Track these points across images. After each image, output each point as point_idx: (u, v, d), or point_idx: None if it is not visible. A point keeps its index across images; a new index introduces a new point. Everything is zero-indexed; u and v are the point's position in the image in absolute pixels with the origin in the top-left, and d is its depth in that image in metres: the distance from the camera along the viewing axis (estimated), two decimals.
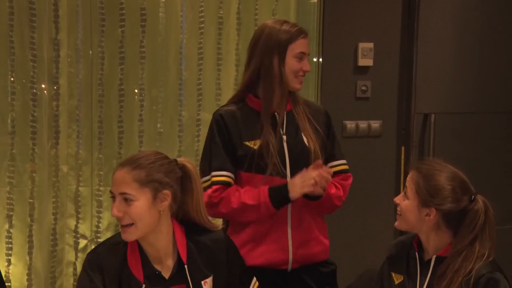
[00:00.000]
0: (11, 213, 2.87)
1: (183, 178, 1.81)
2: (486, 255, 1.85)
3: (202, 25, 2.99)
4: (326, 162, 2.25)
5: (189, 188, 1.82)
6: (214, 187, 2.16)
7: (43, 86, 2.85)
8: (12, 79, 2.83)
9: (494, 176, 3.47)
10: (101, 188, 2.95)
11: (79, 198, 2.95)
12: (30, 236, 2.88)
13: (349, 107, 3.25)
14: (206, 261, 1.84)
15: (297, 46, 2.18)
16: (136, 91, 2.95)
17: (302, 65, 2.19)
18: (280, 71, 2.17)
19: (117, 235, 1.83)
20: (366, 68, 3.25)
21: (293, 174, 2.17)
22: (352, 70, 3.23)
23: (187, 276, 1.80)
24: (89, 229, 2.97)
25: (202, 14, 2.99)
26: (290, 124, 2.22)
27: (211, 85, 3.03)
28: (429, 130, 3.32)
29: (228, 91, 3.05)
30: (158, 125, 3.00)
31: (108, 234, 2.94)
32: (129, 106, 2.95)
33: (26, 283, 2.88)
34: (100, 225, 2.97)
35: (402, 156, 3.34)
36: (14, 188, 2.86)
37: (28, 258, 2.88)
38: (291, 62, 2.18)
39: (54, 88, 2.87)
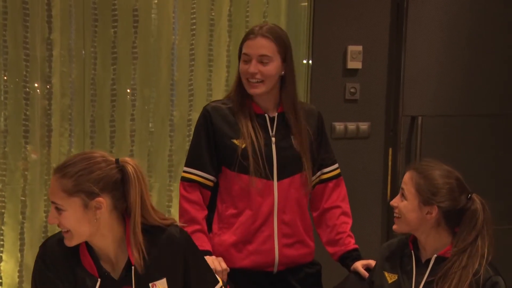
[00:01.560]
0: (3, 210, 2.89)
1: (123, 180, 1.69)
2: (487, 253, 1.89)
3: (194, 27, 3.02)
4: (319, 168, 2.25)
5: (128, 190, 1.69)
6: (182, 182, 2.18)
7: (36, 85, 2.87)
8: (5, 77, 2.85)
9: (481, 178, 3.51)
10: None
11: None
12: (22, 233, 2.90)
13: (338, 108, 3.28)
14: (159, 262, 1.75)
15: (244, 47, 2.14)
16: (128, 91, 2.98)
17: (247, 67, 2.11)
18: (240, 75, 2.17)
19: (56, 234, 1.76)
20: (355, 70, 3.29)
21: (280, 177, 2.15)
22: (341, 73, 3.27)
23: (131, 277, 1.72)
24: None
25: (194, 15, 3.02)
26: (280, 126, 2.19)
27: (202, 85, 3.06)
28: (416, 132, 3.36)
29: (219, 92, 3.08)
30: (150, 125, 3.02)
31: None
32: (121, 106, 2.97)
33: (17, 279, 2.90)
34: None
35: (390, 158, 3.38)
36: (6, 186, 2.88)
37: (19, 255, 2.90)
38: (240, 65, 2.16)
39: (47, 87, 2.89)
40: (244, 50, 2.14)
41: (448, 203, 1.91)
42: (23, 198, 2.89)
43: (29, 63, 2.84)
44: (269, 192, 2.15)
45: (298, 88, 3.24)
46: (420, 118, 3.35)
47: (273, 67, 2.13)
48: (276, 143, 2.17)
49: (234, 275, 2.10)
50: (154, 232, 1.76)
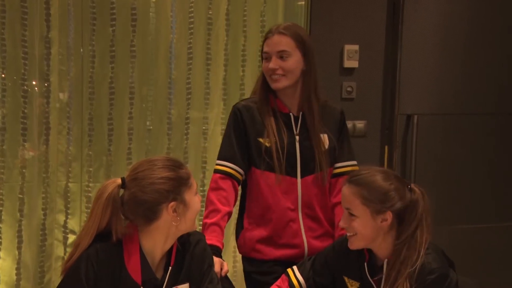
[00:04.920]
0: (1, 208, 2.89)
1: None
2: (424, 242, 1.86)
3: (192, 25, 3.03)
4: (335, 162, 2.30)
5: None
6: (215, 174, 2.24)
7: (34, 83, 2.88)
8: (3, 75, 2.85)
9: (477, 176, 3.54)
10: (90, 184, 2.98)
11: (68, 194, 2.98)
12: (20, 231, 2.90)
13: None
14: (188, 268, 1.87)
15: (264, 46, 2.24)
16: (126, 89, 2.99)
17: (268, 65, 2.20)
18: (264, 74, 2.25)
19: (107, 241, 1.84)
20: (351, 69, 3.31)
21: (303, 174, 2.22)
22: (338, 71, 3.29)
23: (165, 278, 1.83)
24: (78, 225, 2.99)
25: (192, 14, 3.03)
26: (304, 125, 2.25)
27: (200, 84, 3.07)
28: (412, 130, 3.38)
29: (217, 90, 3.10)
30: (148, 123, 3.03)
31: None
32: (119, 104, 2.98)
33: (15, 277, 2.91)
34: None
35: (386, 156, 3.40)
36: (4, 184, 2.88)
37: (17, 252, 2.90)
38: (263, 63, 2.24)
39: (45, 85, 2.90)
40: (264, 49, 2.23)
41: (399, 203, 1.88)
42: (21, 196, 2.89)
43: (27, 61, 2.84)
44: (293, 189, 2.23)
45: None
46: (416, 116, 3.38)
47: (293, 61, 2.20)
48: (300, 141, 2.24)
49: (268, 266, 2.22)
50: (187, 238, 1.88)
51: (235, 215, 2.35)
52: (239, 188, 2.29)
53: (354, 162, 2.34)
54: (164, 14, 3.00)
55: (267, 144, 2.20)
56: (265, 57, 2.22)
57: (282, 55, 2.19)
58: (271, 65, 2.19)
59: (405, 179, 1.97)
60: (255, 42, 3.10)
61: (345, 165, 2.32)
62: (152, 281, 1.82)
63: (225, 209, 2.20)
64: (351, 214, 1.89)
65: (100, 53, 2.93)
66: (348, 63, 3.28)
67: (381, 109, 3.39)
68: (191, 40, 3.04)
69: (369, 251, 1.95)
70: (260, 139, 2.22)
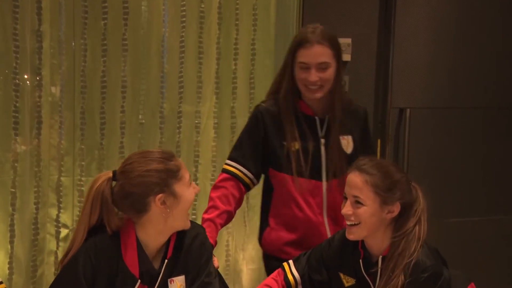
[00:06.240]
0: None
1: None
2: (422, 237, 1.87)
3: (184, 19, 3.03)
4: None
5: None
6: (221, 173, 2.25)
7: (25, 76, 2.87)
8: None
9: (469, 170, 3.55)
10: (82, 178, 2.98)
11: (60, 188, 2.98)
12: (12, 225, 2.90)
13: None
14: (184, 260, 1.88)
15: (300, 56, 2.17)
16: (118, 83, 2.98)
17: (307, 75, 2.16)
18: (293, 79, 2.20)
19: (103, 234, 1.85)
20: (344, 63, 3.29)
21: (328, 178, 2.22)
22: None
23: (161, 269, 1.84)
24: (70, 219, 2.99)
25: (184, 8, 3.02)
26: (329, 128, 2.24)
27: (192, 78, 3.07)
28: (404, 124, 3.39)
29: (209, 84, 3.09)
30: (140, 117, 3.03)
31: None
32: (111, 98, 2.97)
33: (7, 271, 2.90)
34: None
35: (378, 149, 3.40)
36: None
37: (9, 247, 2.90)
38: (296, 71, 2.19)
39: (37, 79, 2.89)
40: (301, 59, 2.17)
41: (407, 196, 1.88)
42: (13, 190, 2.88)
43: (19, 54, 2.83)
44: (318, 192, 2.23)
45: None
46: (408, 110, 3.38)
47: (332, 72, 2.18)
48: (325, 144, 2.23)
49: None
50: (186, 231, 1.89)
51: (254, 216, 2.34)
52: (256, 187, 2.30)
53: None
54: (156, 8, 2.99)
55: (293, 148, 2.19)
56: (302, 66, 2.16)
57: (322, 67, 2.16)
58: (313, 78, 2.15)
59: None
60: (247, 35, 3.10)
61: None
62: (149, 271, 1.83)
63: (223, 207, 2.19)
64: (358, 202, 1.86)
65: (92, 47, 2.92)
66: None
67: (374, 102, 3.39)
68: (183, 34, 3.03)
69: (364, 248, 1.94)
70: (285, 143, 2.21)
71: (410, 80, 3.41)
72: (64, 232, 2.99)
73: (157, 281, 1.85)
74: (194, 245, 1.89)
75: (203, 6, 3.04)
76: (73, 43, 2.91)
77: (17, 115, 2.85)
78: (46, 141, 2.93)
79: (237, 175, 2.23)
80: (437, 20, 3.42)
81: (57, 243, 2.99)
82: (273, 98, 2.27)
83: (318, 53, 2.15)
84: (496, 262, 3.59)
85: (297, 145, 2.19)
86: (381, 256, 1.90)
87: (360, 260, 1.94)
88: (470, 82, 3.50)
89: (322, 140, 2.23)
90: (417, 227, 1.87)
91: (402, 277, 1.81)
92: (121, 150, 3.01)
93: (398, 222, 1.89)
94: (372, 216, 1.86)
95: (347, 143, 2.25)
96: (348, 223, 1.90)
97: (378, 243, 1.91)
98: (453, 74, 3.48)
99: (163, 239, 1.86)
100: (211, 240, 2.12)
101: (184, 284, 1.87)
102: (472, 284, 1.99)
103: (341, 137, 2.24)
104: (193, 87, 3.08)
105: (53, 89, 2.92)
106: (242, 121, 3.15)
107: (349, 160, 2.19)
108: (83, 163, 2.98)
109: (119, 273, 1.80)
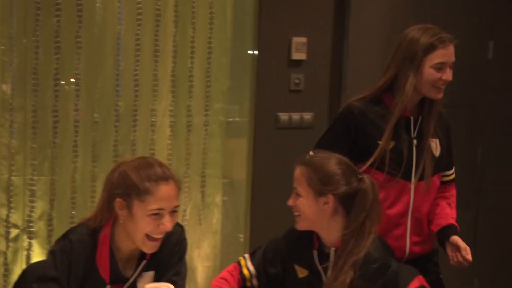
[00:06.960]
0: None
1: None
2: (373, 232, 1.94)
3: (140, 17, 2.99)
4: (443, 170, 2.35)
5: None
6: None
7: None
8: None
9: None
10: (34, 178, 2.92)
11: (11, 188, 2.91)
12: None
13: (283, 99, 3.33)
14: (157, 257, 1.89)
15: (435, 57, 2.19)
16: (72, 80, 2.93)
17: (442, 75, 2.19)
18: (415, 82, 2.20)
19: (82, 227, 1.86)
20: (299, 61, 3.34)
21: (417, 179, 2.24)
22: (286, 64, 3.31)
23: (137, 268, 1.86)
24: (21, 219, 2.93)
25: (140, 5, 2.98)
26: (421, 129, 2.26)
27: (148, 76, 3.04)
28: None
29: (165, 82, 3.07)
30: (95, 115, 2.99)
31: (41, 224, 2.93)
32: (65, 96, 2.92)
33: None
34: (33, 214, 2.93)
35: None
36: None
37: None
38: (428, 73, 2.19)
39: None
40: (438, 60, 2.19)
41: (342, 188, 1.93)
42: None
43: None
44: (406, 192, 2.25)
45: (244, 78, 3.30)
46: None
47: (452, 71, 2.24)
48: (416, 145, 2.25)
49: None
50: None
51: None
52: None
53: (454, 169, 2.42)
54: (111, 5, 2.94)
55: (386, 147, 2.20)
56: (438, 66, 2.18)
57: (451, 66, 2.21)
58: (450, 76, 2.19)
59: (358, 170, 2.03)
60: (203, 34, 3.09)
61: (452, 173, 2.40)
62: (119, 277, 1.84)
63: None
64: (297, 194, 1.95)
65: (44, 44, 2.85)
66: (296, 55, 3.30)
67: (328, 101, 3.44)
68: (139, 32, 3.00)
69: (318, 238, 1.99)
70: (379, 141, 2.21)
71: (364, 79, 3.40)
72: (14, 232, 2.92)
73: (127, 281, 1.86)
74: (168, 243, 1.89)
75: (159, 3, 3.01)
76: (24, 40, 2.84)
77: None
78: None
79: None
80: (392, 19, 3.46)
81: (7, 244, 2.92)
82: (366, 99, 2.28)
83: (452, 52, 2.22)
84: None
85: (391, 145, 2.22)
86: (333, 248, 1.95)
87: (315, 251, 1.99)
88: None
89: (415, 141, 2.26)
90: (367, 223, 1.92)
91: (351, 273, 1.87)
92: (74, 149, 2.96)
93: (349, 217, 1.94)
94: (309, 207, 1.94)
95: (435, 146, 2.29)
96: (295, 214, 1.98)
97: (329, 235, 1.96)
98: None
99: (132, 244, 1.85)
100: None
101: (151, 280, 1.88)
102: (420, 276, 2.05)
103: (431, 140, 2.28)
104: (149, 85, 3.05)
105: (4, 86, 2.84)
106: (198, 119, 3.16)
107: (437, 163, 2.26)
108: (35, 162, 2.92)
109: (91, 275, 1.82)
